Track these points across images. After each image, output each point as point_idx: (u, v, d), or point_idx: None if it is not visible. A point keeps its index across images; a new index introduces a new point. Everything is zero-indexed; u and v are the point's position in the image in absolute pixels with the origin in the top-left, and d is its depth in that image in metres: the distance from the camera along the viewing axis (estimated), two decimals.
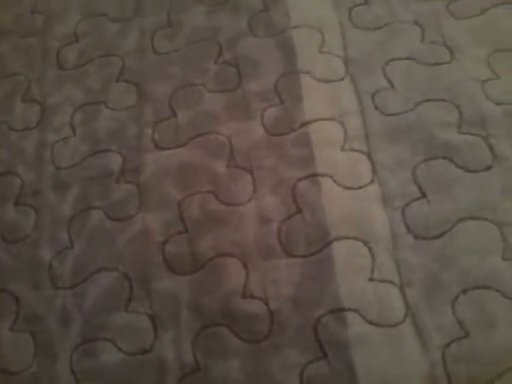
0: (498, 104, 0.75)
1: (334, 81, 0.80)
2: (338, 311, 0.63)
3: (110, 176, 0.74)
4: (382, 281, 0.64)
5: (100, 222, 0.72)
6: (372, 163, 0.72)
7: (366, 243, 0.67)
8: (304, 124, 0.75)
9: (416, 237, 0.67)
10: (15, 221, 0.73)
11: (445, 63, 0.80)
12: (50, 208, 0.74)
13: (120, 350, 0.64)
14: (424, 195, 0.69)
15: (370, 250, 0.66)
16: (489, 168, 0.70)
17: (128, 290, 0.67)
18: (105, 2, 0.92)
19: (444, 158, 0.72)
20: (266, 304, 0.64)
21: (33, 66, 0.86)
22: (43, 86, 0.84)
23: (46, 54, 0.87)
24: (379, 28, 0.85)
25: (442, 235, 0.66)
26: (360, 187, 0.70)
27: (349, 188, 0.70)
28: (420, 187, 0.70)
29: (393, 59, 0.81)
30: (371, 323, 0.62)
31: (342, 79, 0.80)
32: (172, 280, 0.67)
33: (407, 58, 0.81)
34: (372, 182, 0.70)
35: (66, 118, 0.80)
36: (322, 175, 0.71)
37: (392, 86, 0.78)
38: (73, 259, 0.70)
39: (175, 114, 0.79)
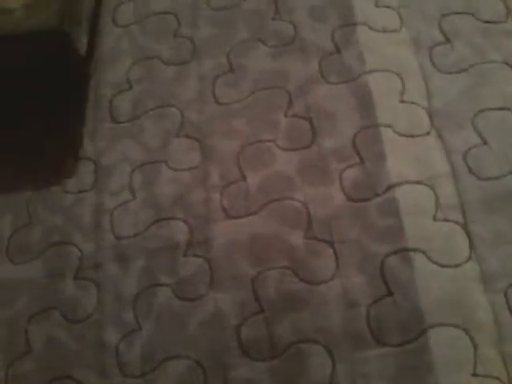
0: None
1: (418, 135, 0.78)
2: None
3: (177, 248, 0.74)
4: (487, 376, 0.63)
5: (168, 301, 0.71)
6: (469, 236, 0.70)
7: (466, 331, 0.65)
8: (389, 188, 0.74)
9: None
10: (75, 297, 0.73)
11: None
12: (112, 283, 0.74)
13: None
14: None
15: (472, 339, 0.65)
16: None
17: (202, 379, 0.67)
18: (157, 43, 0.91)
19: None
20: None
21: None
22: (96, 142, 0.84)
23: (98, 103, 0.87)
24: (465, 70, 0.83)
25: None
26: (457, 265, 0.69)
27: (444, 266, 0.69)
28: None
29: (483, 109, 0.79)
30: None
31: (427, 133, 0.78)
32: (250, 367, 0.67)
33: (500, 108, 0.79)
34: (469, 258, 0.69)
35: (123, 180, 0.80)
36: (414, 250, 0.70)
37: (485, 142, 0.77)
38: (141, 344, 0.70)
39: (244, 177, 0.78)
